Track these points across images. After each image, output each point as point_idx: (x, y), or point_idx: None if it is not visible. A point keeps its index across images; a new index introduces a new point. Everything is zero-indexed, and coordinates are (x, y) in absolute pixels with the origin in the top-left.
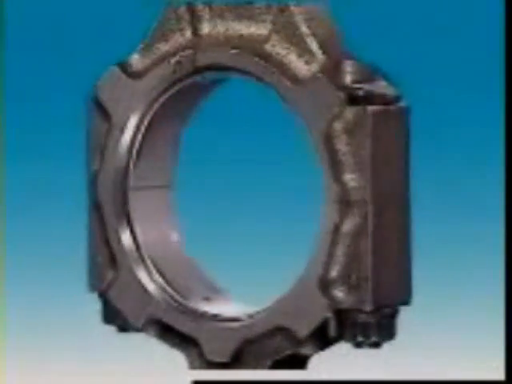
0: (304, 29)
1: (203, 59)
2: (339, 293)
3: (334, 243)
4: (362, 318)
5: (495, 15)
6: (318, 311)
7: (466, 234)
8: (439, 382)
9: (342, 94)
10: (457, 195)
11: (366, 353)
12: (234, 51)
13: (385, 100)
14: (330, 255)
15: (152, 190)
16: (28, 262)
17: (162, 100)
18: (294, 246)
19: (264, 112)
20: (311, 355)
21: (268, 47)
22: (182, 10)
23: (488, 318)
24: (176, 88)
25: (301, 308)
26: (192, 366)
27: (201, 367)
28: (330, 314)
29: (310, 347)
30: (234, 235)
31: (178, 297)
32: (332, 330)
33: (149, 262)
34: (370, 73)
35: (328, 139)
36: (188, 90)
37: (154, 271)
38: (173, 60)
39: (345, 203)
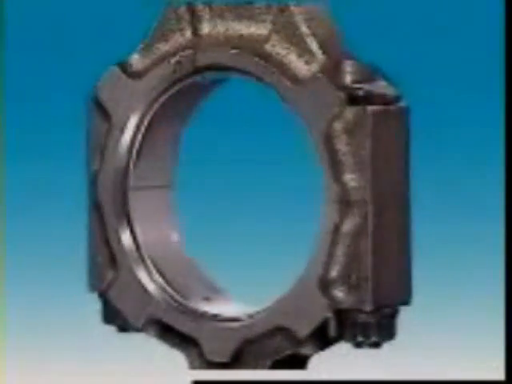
0: (304, 29)
1: (203, 59)
2: (339, 293)
3: (333, 243)
4: (362, 318)
5: (495, 15)
6: (318, 311)
7: (465, 233)
8: (439, 382)
9: (341, 94)
10: (457, 195)
11: (366, 353)
12: (233, 51)
13: (385, 100)
14: (330, 255)
15: (152, 190)
16: (28, 262)
17: (161, 100)
18: (293, 246)
19: (264, 112)
20: (311, 355)
21: (268, 47)
22: (182, 10)
23: (488, 318)
24: (176, 88)
25: (301, 308)
26: (192, 366)
27: (201, 367)
28: (329, 314)
29: (310, 347)
30: (234, 235)
31: (178, 297)
32: (332, 330)
33: (149, 261)
34: (369, 73)
35: (328, 139)
36: (188, 90)
37: (154, 271)
38: (173, 60)
39: (345, 203)
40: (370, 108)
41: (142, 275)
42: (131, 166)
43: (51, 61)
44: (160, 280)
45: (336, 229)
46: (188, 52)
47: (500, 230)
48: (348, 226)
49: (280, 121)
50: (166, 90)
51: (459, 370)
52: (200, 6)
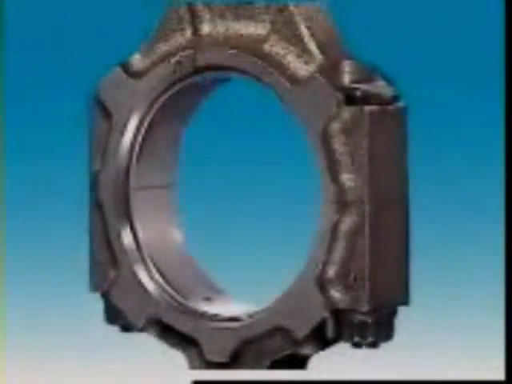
0: (303, 29)
1: (203, 59)
2: (336, 293)
3: (331, 243)
4: (359, 318)
5: (495, 15)
6: (316, 311)
7: (465, 234)
8: (439, 382)
9: (339, 94)
10: (457, 195)
11: (366, 353)
12: (232, 51)
13: (382, 100)
14: (328, 255)
15: (153, 190)
16: (29, 262)
17: (162, 100)
18: (293, 245)
19: (264, 112)
20: (311, 355)
21: (267, 47)
22: (183, 10)
23: (488, 318)
24: (176, 88)
25: (299, 308)
26: (192, 366)
27: (200, 367)
28: (327, 314)
29: (310, 347)
30: (234, 235)
31: (178, 297)
32: (330, 331)
33: (149, 261)
34: (368, 73)
35: (325, 139)
36: (188, 90)
37: (155, 271)
38: (173, 60)
39: (342, 203)
40: (368, 108)
41: (143, 275)
42: (132, 165)
43: (52, 61)
44: (160, 280)
45: (333, 229)
46: (188, 52)
47: (500, 230)
48: (345, 226)
49: (280, 121)
50: (166, 90)
51: (459, 370)
52: (200, 7)
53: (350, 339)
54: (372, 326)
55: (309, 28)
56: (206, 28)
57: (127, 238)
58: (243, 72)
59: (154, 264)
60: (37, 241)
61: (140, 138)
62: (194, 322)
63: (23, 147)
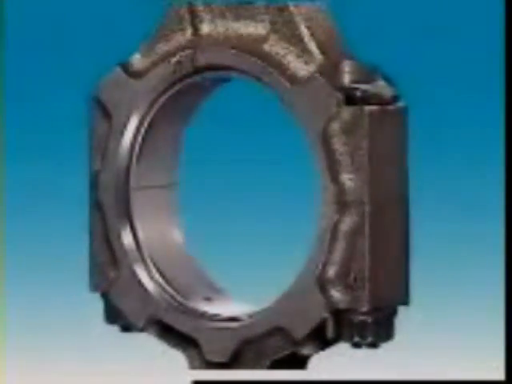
0: (303, 29)
1: (203, 59)
2: (336, 293)
3: (331, 243)
4: (359, 318)
5: (495, 15)
6: (316, 311)
7: (465, 233)
8: (439, 382)
9: (339, 94)
10: (457, 195)
11: (366, 353)
12: (232, 51)
13: (382, 100)
14: (328, 255)
15: (153, 190)
16: (29, 262)
17: (162, 100)
18: (293, 245)
19: (264, 112)
20: (311, 355)
21: (266, 47)
22: (183, 10)
23: (488, 318)
24: (176, 88)
25: (299, 308)
26: (192, 366)
27: (200, 367)
28: (327, 314)
29: (310, 347)
30: (233, 235)
31: (178, 296)
32: (330, 331)
33: (149, 261)
34: (368, 73)
35: (325, 139)
36: (188, 90)
37: (155, 271)
38: (173, 60)
39: (342, 203)
40: (367, 108)
41: (143, 275)
42: (132, 165)
43: (52, 61)
44: (160, 280)
45: (333, 229)
46: (188, 52)
47: (500, 229)
48: (345, 226)
49: (280, 121)
50: (166, 90)
51: (459, 370)
52: (200, 7)
53: (349, 339)
54: (372, 326)
55: (309, 28)
56: (205, 28)
57: (127, 238)
58: (243, 72)
59: (154, 264)
60: (37, 241)
61: (140, 138)
62: (194, 322)
63: (23, 147)
